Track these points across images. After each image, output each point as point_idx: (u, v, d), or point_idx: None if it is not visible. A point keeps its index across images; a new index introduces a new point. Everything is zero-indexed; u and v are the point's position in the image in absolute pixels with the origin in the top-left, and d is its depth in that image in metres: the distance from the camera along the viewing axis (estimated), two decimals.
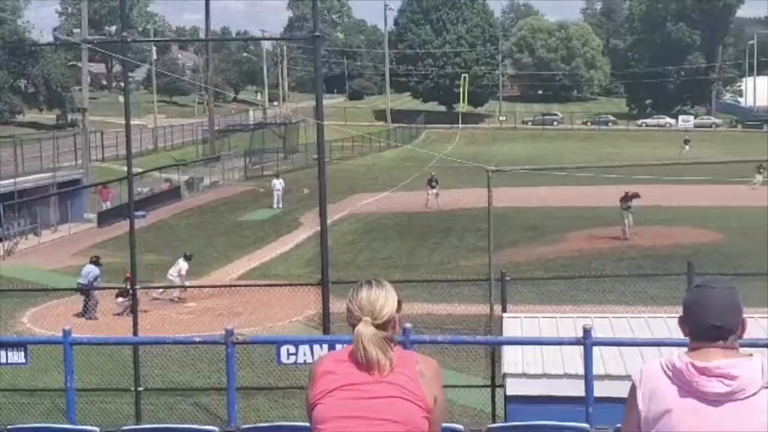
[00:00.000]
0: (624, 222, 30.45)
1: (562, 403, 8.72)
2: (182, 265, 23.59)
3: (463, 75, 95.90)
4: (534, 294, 19.13)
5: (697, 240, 29.26)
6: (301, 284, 17.32)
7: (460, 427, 3.88)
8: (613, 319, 11.79)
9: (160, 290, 22.42)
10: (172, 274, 23.51)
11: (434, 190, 40.78)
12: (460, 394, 13.69)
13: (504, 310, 12.93)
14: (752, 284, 17.39)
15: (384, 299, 3.13)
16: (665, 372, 2.95)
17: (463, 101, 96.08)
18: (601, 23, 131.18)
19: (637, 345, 8.74)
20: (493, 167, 14.84)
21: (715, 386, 2.87)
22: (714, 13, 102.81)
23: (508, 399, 10.02)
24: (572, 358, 9.43)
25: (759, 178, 40.96)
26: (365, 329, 3.06)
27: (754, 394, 2.84)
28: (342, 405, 3.01)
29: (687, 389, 2.90)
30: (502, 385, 10.70)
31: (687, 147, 63.72)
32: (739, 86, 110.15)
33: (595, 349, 8.86)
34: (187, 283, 22.75)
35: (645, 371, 3.01)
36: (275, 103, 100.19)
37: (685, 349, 3.00)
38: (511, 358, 10.11)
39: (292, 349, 7.12)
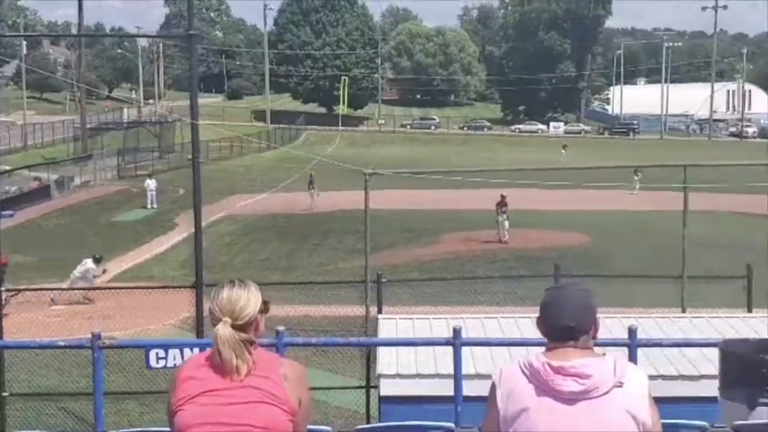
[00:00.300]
0: (500, 226, 31.19)
1: (435, 402, 8.87)
2: (90, 266, 22.90)
3: (342, 77, 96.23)
4: (410, 295, 19.37)
5: (566, 243, 30.22)
6: (175, 287, 17.01)
7: (328, 428, 3.92)
8: (484, 320, 12.06)
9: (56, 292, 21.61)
10: (76, 274, 22.77)
11: (314, 191, 41.09)
12: (336, 395, 13.75)
13: (379, 311, 13.05)
14: (615, 286, 18.15)
15: (246, 300, 3.08)
16: (523, 372, 3.02)
17: (343, 103, 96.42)
18: (477, 30, 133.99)
19: (505, 345, 8.98)
20: (370, 170, 14.96)
21: (569, 385, 2.94)
22: (584, 24, 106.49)
23: (382, 400, 10.11)
24: (444, 359, 9.61)
25: (637, 183, 42.51)
26: (223, 330, 3.02)
27: (606, 392, 2.93)
28: (204, 411, 2.97)
29: (543, 388, 2.97)
30: (377, 386, 10.81)
31: (564, 152, 65.70)
32: (607, 94, 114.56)
33: (466, 349, 9.08)
34: (82, 284, 22.03)
35: (504, 371, 3.08)
36: (151, 101, 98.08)
37: (543, 349, 3.11)
38: (386, 360, 10.22)
39: (162, 353, 7.01)
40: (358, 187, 15.19)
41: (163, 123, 66.58)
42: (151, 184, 42.22)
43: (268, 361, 3.09)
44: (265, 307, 3.15)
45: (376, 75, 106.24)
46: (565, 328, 3.05)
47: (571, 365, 2.97)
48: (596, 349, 3.12)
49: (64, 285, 22.40)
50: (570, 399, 2.94)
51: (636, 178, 42.09)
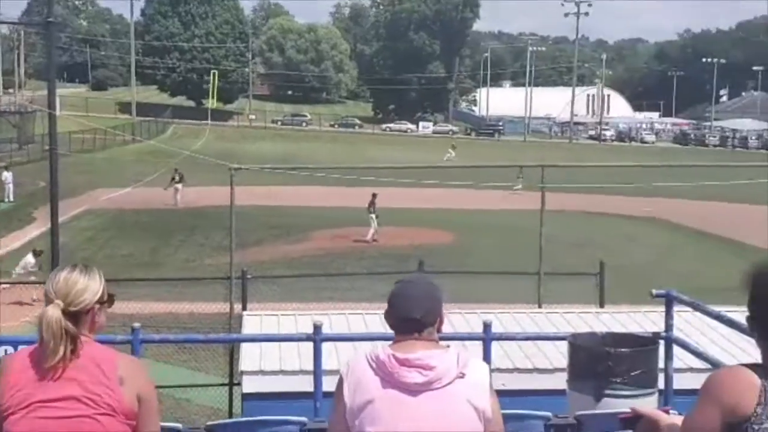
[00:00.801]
0: (371, 225, 31.44)
1: (297, 399, 8.89)
2: (28, 260, 21.88)
3: (212, 71, 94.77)
4: (277, 292, 19.30)
5: (432, 240, 30.77)
6: (30, 282, 16.42)
7: (178, 425, 3.89)
8: (349, 316, 12.18)
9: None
10: (18, 271, 21.77)
11: (179, 185, 40.41)
12: (199, 393, 13.58)
13: (244, 308, 12.96)
14: (476, 282, 18.62)
15: (84, 285, 2.93)
16: (369, 364, 3.07)
17: (212, 97, 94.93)
18: (349, 28, 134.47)
19: (366, 340, 9.09)
20: (236, 165, 14.84)
21: (414, 376, 3.01)
22: (452, 26, 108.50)
23: (245, 396, 10.06)
24: (309, 355, 9.64)
25: (520, 183, 43.48)
26: (51, 312, 2.84)
27: (449, 383, 3.01)
28: (35, 425, 2.82)
29: (389, 380, 3.02)
30: (240, 383, 10.75)
31: (452, 152, 66.07)
32: (474, 96, 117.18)
33: (331, 345, 9.14)
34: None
35: (351, 364, 3.13)
36: (11, 90, 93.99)
37: (390, 342, 3.18)
38: (249, 356, 10.16)
39: (11, 350, 6.77)
40: (226, 183, 15.05)
41: (22, 113, 63.94)
42: (8, 176, 40.56)
43: (102, 361, 2.91)
44: (108, 300, 3.03)
45: (246, 69, 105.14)
46: (411, 320, 3.11)
47: (416, 357, 3.03)
48: (441, 342, 3.21)
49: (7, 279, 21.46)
50: (414, 390, 3.01)
51: (519, 177, 43.11)
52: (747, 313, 2.88)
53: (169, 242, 30.87)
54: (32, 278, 21.28)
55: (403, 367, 3.03)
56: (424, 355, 3.05)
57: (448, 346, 3.15)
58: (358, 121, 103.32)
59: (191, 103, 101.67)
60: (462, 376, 3.03)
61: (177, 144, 65.33)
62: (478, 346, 7.58)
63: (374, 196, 31.19)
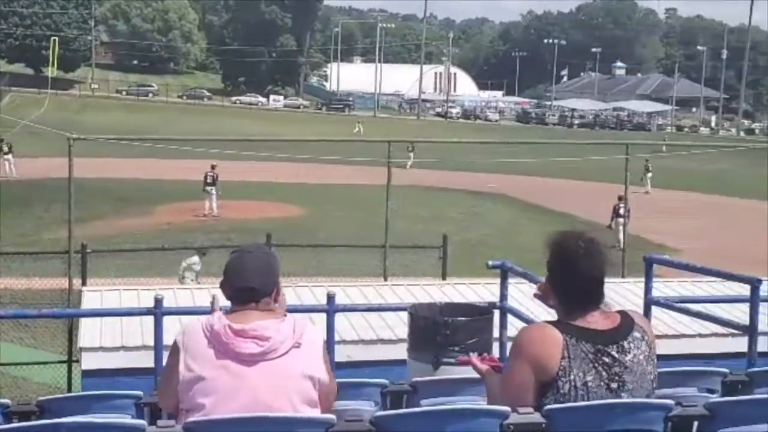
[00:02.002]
0: (209, 198, 31.07)
1: (139, 374, 8.76)
2: None
3: (52, 37, 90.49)
4: (120, 267, 18.84)
5: (282, 214, 30.70)
6: None
7: (7, 401, 3.80)
8: (195, 290, 12.06)
9: None
10: None
11: (8, 156, 38.62)
12: (37, 371, 13.13)
13: (84, 283, 12.60)
14: (324, 255, 18.77)
15: None
16: (205, 334, 3.05)
17: (52, 65, 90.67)
18: None
19: (209, 313, 9.04)
20: (75, 135, 14.32)
21: (249, 347, 3.01)
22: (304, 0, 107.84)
23: (84, 373, 9.83)
24: (152, 331, 9.50)
25: (410, 160, 43.71)
26: None
27: (285, 353, 3.03)
28: None
29: (223, 350, 3.02)
30: (79, 360, 10.48)
31: (360, 126, 67.51)
32: (325, 71, 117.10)
33: (174, 319, 9.03)
34: None
35: (187, 333, 3.11)
36: None
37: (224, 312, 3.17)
38: (89, 333, 9.92)
39: None
40: (65, 154, 14.51)
41: None
42: None
43: None
44: None
45: (89, 37, 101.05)
46: (247, 289, 3.11)
47: (252, 327, 3.04)
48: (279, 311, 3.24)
49: None
50: (250, 360, 3.01)
51: (410, 153, 43.41)
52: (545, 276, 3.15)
53: (5, 215, 29.47)
54: None
55: (239, 338, 3.02)
56: (259, 325, 3.05)
57: (285, 315, 3.16)
58: (207, 93, 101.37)
59: (30, 71, 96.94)
60: (298, 345, 3.06)
61: (14, 113, 62.30)
62: (323, 318, 7.69)
63: (213, 168, 30.83)
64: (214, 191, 30.95)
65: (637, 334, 3.06)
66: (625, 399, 3.01)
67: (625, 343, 3.03)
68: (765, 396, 3.95)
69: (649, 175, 36.36)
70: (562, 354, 2.98)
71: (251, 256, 3.21)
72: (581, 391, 2.98)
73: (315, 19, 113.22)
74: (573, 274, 3.05)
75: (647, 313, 7.16)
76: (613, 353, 3.01)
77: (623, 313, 3.14)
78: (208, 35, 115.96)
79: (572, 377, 2.97)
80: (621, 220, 24.51)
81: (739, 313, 7.74)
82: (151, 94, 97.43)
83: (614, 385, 3.00)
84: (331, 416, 3.06)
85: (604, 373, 2.99)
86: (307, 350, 3.09)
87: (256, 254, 3.23)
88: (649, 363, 3.07)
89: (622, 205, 24.40)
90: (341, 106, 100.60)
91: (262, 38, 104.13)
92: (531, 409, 3.04)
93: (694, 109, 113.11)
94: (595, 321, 3.05)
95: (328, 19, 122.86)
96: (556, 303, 3.13)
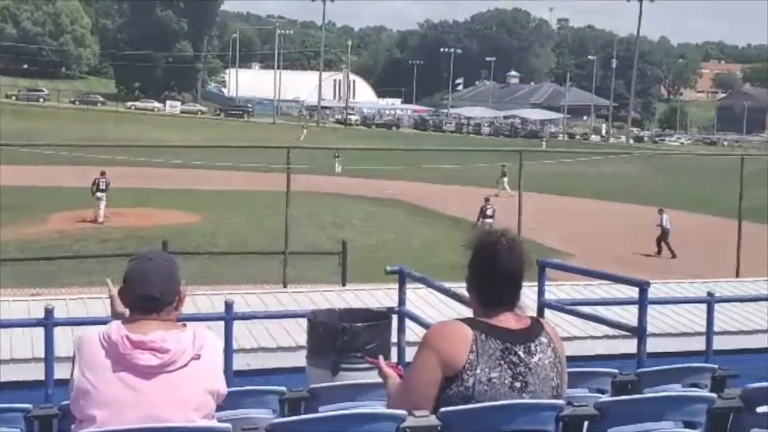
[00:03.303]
0: (98, 205, 30.51)
1: (30, 387, 8.50)
2: None
3: None
4: (11, 277, 18.21)
5: (181, 221, 30.23)
6: None
7: None
8: (87, 300, 11.77)
9: None
10: None
11: None
12: None
13: None
14: (223, 263, 18.57)
15: None
16: (102, 344, 2.96)
17: None
18: (91, 2, 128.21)
19: (102, 323, 8.83)
20: None
21: (147, 359, 2.92)
22: (200, 5, 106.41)
23: None
24: (43, 342, 9.22)
25: (338, 166, 43.46)
26: None
27: (184, 365, 2.95)
28: None
29: (121, 362, 2.93)
30: None
31: (305, 131, 69.30)
32: (223, 77, 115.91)
33: (67, 330, 8.78)
34: None
35: (85, 342, 3.01)
36: None
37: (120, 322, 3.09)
38: None
39: None
40: None
41: None
42: None
43: None
44: None
45: None
46: (148, 298, 3.02)
47: (150, 339, 2.96)
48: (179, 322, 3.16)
49: None
50: (148, 373, 2.93)
51: (337, 159, 43.28)
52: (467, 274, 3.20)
53: None
54: None
55: (137, 350, 2.94)
56: (159, 336, 2.97)
57: (185, 326, 3.09)
58: (100, 99, 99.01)
59: None
60: (197, 357, 2.99)
61: None
62: (222, 326, 7.60)
63: (103, 174, 30.35)
64: (104, 197, 30.41)
65: (544, 339, 3.13)
66: (526, 399, 3.06)
67: (533, 346, 3.09)
68: (653, 395, 4.10)
69: (506, 179, 37.60)
70: (471, 348, 3.02)
71: (152, 263, 3.11)
72: (485, 386, 3.02)
73: (212, 24, 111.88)
74: (494, 271, 3.10)
75: (540, 316, 7.34)
76: (520, 353, 3.06)
77: (534, 318, 3.21)
78: (102, 39, 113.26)
79: (478, 371, 3.02)
80: (488, 220, 26.40)
81: (631, 316, 8.01)
82: (42, 99, 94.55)
83: (518, 385, 3.06)
84: (227, 425, 3.03)
85: (509, 372, 3.05)
86: (206, 362, 3.02)
87: (157, 261, 3.13)
88: (553, 370, 3.13)
89: (489, 206, 27.01)
90: (240, 112, 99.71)
91: (157, 43, 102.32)
92: (427, 412, 3.08)
93: (585, 117, 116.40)
94: (507, 321, 3.10)
95: (226, 24, 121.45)
96: (473, 301, 3.18)
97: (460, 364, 3.01)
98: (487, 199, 28.15)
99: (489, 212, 26.95)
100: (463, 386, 3.01)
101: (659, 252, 27.28)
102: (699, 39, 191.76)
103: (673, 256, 26.61)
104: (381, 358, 3.51)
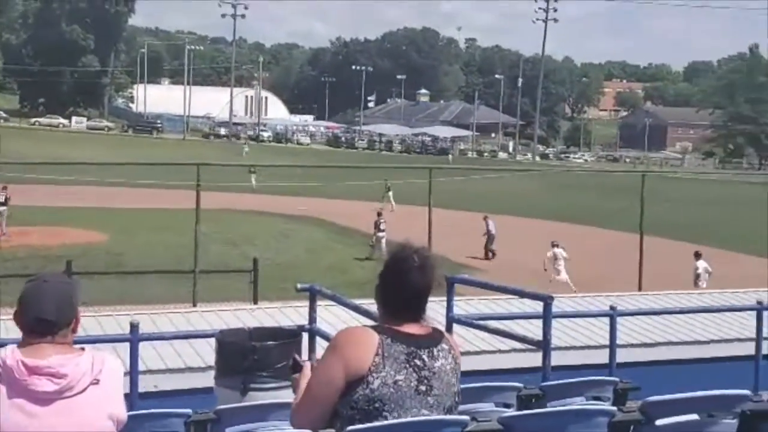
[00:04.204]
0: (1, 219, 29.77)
1: None
2: None
3: None
4: None
5: (86, 240, 29.52)
6: None
7: None
8: None
9: None
10: None
11: None
12: None
13: None
14: (131, 282, 18.21)
15: None
16: None
17: None
18: None
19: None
20: None
21: (44, 385, 2.84)
22: (107, 20, 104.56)
23: None
24: None
25: (253, 181, 42.92)
26: None
27: (83, 391, 2.87)
28: None
29: (17, 388, 2.84)
30: None
31: (246, 148, 71.49)
32: (131, 92, 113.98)
33: None
34: None
35: None
36: None
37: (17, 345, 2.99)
38: None
39: None
40: None
41: None
42: None
43: None
44: None
45: None
46: (43, 321, 2.94)
47: (47, 364, 2.87)
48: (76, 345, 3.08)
49: None
50: (45, 399, 2.84)
51: (252, 175, 42.82)
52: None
53: None
54: None
55: (33, 375, 2.85)
56: (56, 361, 2.88)
57: (83, 349, 3.00)
58: (3, 114, 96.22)
59: None
60: (96, 382, 2.92)
61: None
62: (128, 347, 7.45)
63: (4, 188, 29.64)
64: (5, 212, 29.66)
65: (445, 346, 3.20)
66: (431, 402, 3.11)
67: (435, 351, 3.16)
68: (555, 409, 4.19)
69: (390, 193, 38.48)
70: (377, 351, 3.06)
71: (48, 285, 3.02)
72: (391, 389, 3.06)
73: (119, 39, 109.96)
74: (403, 285, 3.16)
75: (449, 330, 7.42)
76: (424, 357, 3.12)
77: (434, 328, 3.28)
78: (5, 54, 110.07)
79: (384, 374, 3.06)
80: (381, 234, 27.60)
81: (538, 329, 8.16)
82: None
83: (423, 388, 3.10)
84: None
85: (414, 375, 3.10)
86: (106, 387, 2.95)
87: (53, 283, 3.04)
88: (454, 376, 3.20)
89: (382, 220, 28.15)
90: (149, 128, 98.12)
91: (63, 58, 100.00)
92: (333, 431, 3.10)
93: (493, 135, 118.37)
94: (411, 328, 3.17)
95: (135, 39, 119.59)
96: (380, 311, 3.23)
97: (365, 366, 3.05)
98: (379, 214, 29.38)
99: (382, 226, 27.98)
100: (369, 389, 3.04)
101: (486, 257, 28.59)
102: (602, 58, 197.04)
103: (488, 257, 27.87)
104: (301, 361, 3.47)
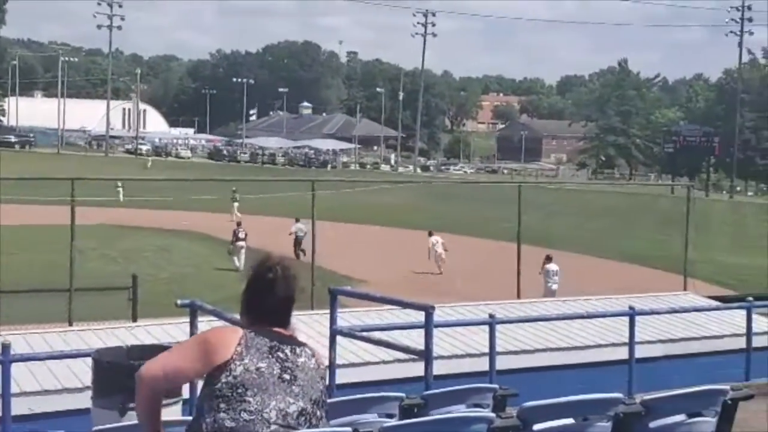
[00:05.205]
0: None
1: None
2: None
3: None
4: None
5: None
6: None
7: None
8: None
9: None
10: None
11: None
12: None
13: None
14: (4, 302, 17.45)
15: None
16: None
17: None
18: None
19: None
20: None
21: None
22: None
23: None
24: None
25: (121, 195, 41.27)
26: None
27: None
28: None
29: None
30: None
31: (150, 162, 72.89)
32: (2, 105, 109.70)
33: None
34: None
35: None
36: None
37: None
38: None
39: None
40: None
41: None
42: None
43: None
44: None
45: None
46: None
47: None
48: None
49: None
50: None
51: (119, 189, 41.23)
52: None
53: None
54: None
55: None
56: None
57: None
58: None
59: None
60: None
61: None
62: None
63: None
64: None
65: (308, 351, 3.37)
66: (296, 391, 3.23)
67: (298, 349, 3.33)
68: (436, 417, 4.26)
69: (236, 204, 38.96)
70: (239, 342, 3.23)
71: None
72: (254, 375, 3.20)
73: None
74: (267, 294, 3.32)
75: (333, 342, 7.43)
76: (287, 351, 3.29)
77: (298, 338, 3.43)
78: None
79: (246, 361, 3.21)
80: (240, 243, 27.95)
81: (422, 339, 8.25)
82: None
83: (287, 377, 3.24)
84: None
85: (277, 364, 3.25)
86: None
87: None
88: (318, 375, 3.35)
89: (241, 229, 28.68)
90: (20, 141, 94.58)
91: None
92: None
93: (375, 147, 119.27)
94: (275, 330, 3.35)
95: (5, 50, 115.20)
96: (243, 319, 3.39)
97: (227, 354, 3.20)
98: (239, 223, 30.03)
99: (241, 235, 28.30)
100: (231, 375, 3.18)
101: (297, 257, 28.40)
102: (479, 72, 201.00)
103: (298, 257, 27.68)
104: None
